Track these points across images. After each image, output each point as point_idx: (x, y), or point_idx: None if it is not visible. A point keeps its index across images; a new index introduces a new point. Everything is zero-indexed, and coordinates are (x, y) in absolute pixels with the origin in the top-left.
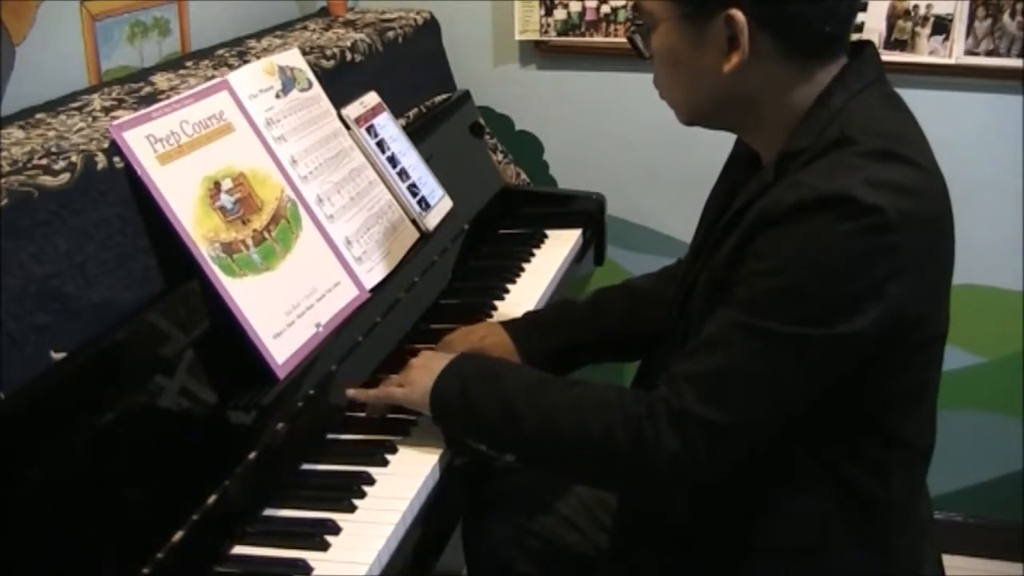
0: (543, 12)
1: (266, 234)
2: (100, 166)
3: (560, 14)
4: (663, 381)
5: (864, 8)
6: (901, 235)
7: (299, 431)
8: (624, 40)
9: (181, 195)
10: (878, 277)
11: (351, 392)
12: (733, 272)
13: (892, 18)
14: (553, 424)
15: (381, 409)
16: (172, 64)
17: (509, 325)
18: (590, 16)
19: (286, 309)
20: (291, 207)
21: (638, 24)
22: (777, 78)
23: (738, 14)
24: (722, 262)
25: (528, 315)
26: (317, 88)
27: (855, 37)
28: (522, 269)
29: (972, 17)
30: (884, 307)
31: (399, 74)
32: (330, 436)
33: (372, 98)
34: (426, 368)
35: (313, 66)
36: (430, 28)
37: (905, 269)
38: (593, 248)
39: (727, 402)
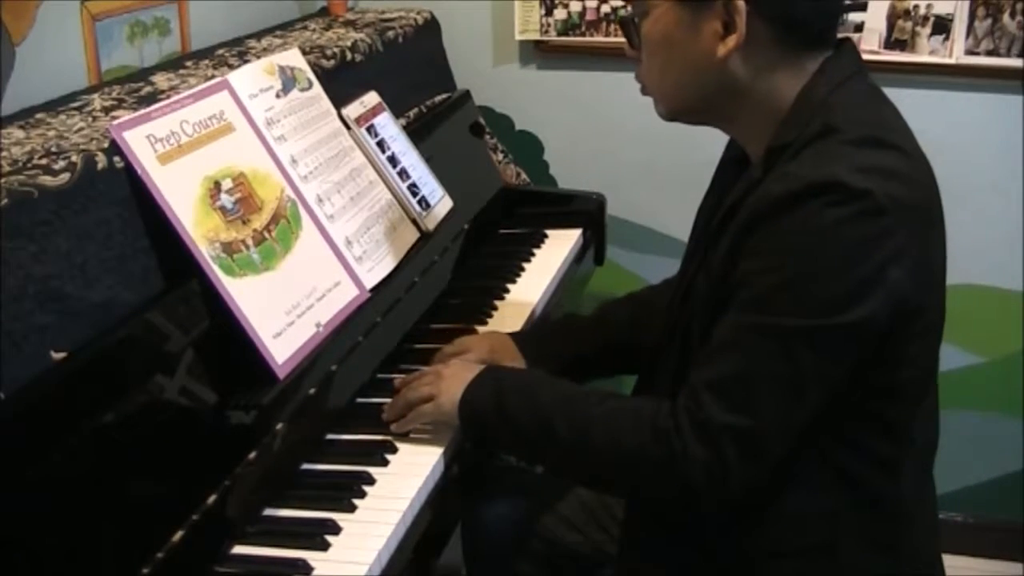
0: (543, 12)
1: (266, 234)
2: (100, 166)
3: (560, 14)
4: (682, 392)
5: (864, 8)
6: (893, 218)
7: (299, 431)
8: (624, 40)
9: (181, 195)
10: (878, 262)
11: (393, 427)
12: (731, 273)
13: (892, 18)
14: (588, 440)
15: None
16: (172, 64)
17: (518, 337)
18: (590, 16)
19: (286, 309)
20: (291, 207)
21: (628, 14)
22: (766, 68)
23: None
24: (718, 263)
25: (535, 328)
26: (317, 88)
27: (856, 37)
28: (522, 269)
29: (972, 17)
30: (887, 292)
31: (399, 74)
32: (330, 436)
33: (372, 98)
34: (457, 379)
35: (313, 66)
36: (430, 28)
37: (902, 253)
38: (593, 248)
39: (750, 406)
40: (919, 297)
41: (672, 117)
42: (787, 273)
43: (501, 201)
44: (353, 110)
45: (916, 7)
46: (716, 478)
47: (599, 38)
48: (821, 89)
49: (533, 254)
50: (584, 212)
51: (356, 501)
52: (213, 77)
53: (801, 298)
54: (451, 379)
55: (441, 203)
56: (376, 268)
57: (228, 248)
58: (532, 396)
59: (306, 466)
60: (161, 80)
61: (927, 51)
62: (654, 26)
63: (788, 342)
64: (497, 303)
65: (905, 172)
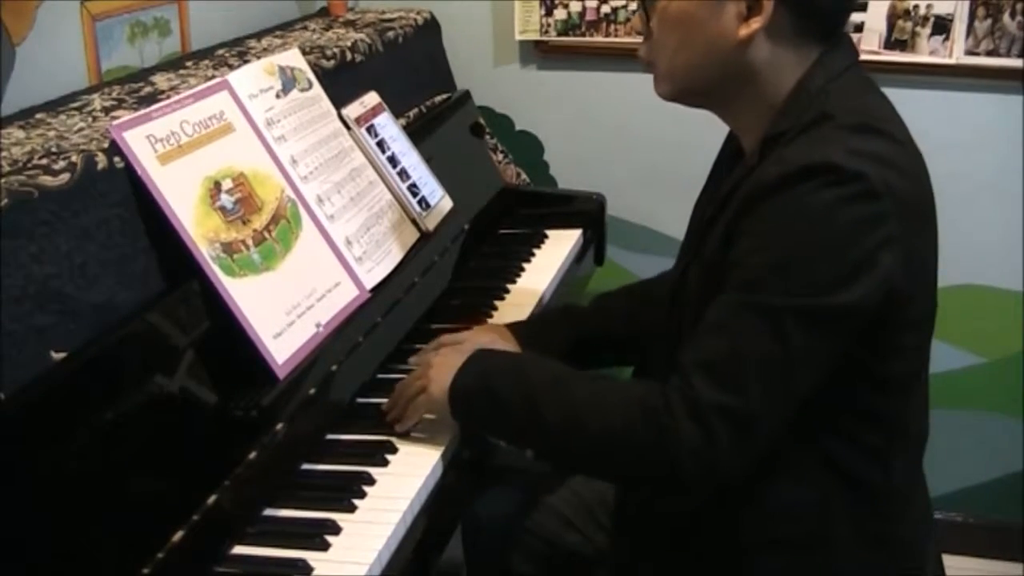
0: (543, 12)
1: (266, 234)
2: (100, 166)
3: (560, 14)
4: (673, 372)
5: (864, 8)
6: (886, 203)
7: (299, 431)
8: (624, 40)
9: (181, 195)
10: (870, 245)
11: (397, 428)
12: (725, 255)
13: (892, 18)
14: (577, 419)
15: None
16: (172, 64)
17: (515, 329)
18: (590, 16)
19: (286, 309)
20: (291, 207)
21: None
22: (777, 55)
23: None
24: (712, 251)
25: (533, 319)
26: (317, 88)
27: (856, 37)
28: (522, 269)
29: (972, 17)
30: (878, 277)
31: (399, 74)
32: (330, 436)
33: (372, 98)
34: (446, 366)
35: (313, 66)
36: (430, 28)
37: (894, 240)
38: (593, 248)
39: (741, 385)
40: (910, 286)
41: (673, 97)
42: (779, 253)
43: (501, 201)
44: (353, 110)
45: (916, 7)
46: (706, 459)
47: (599, 38)
48: (818, 80)
49: (533, 254)
50: (584, 212)
51: (356, 501)
52: (213, 77)
53: (792, 278)
54: (440, 367)
55: (441, 203)
56: (376, 268)
57: (228, 248)
58: (520, 378)
59: (306, 466)
60: (161, 80)
61: (927, 51)
62: (674, 1)
63: (779, 321)
64: (497, 303)
65: (900, 162)
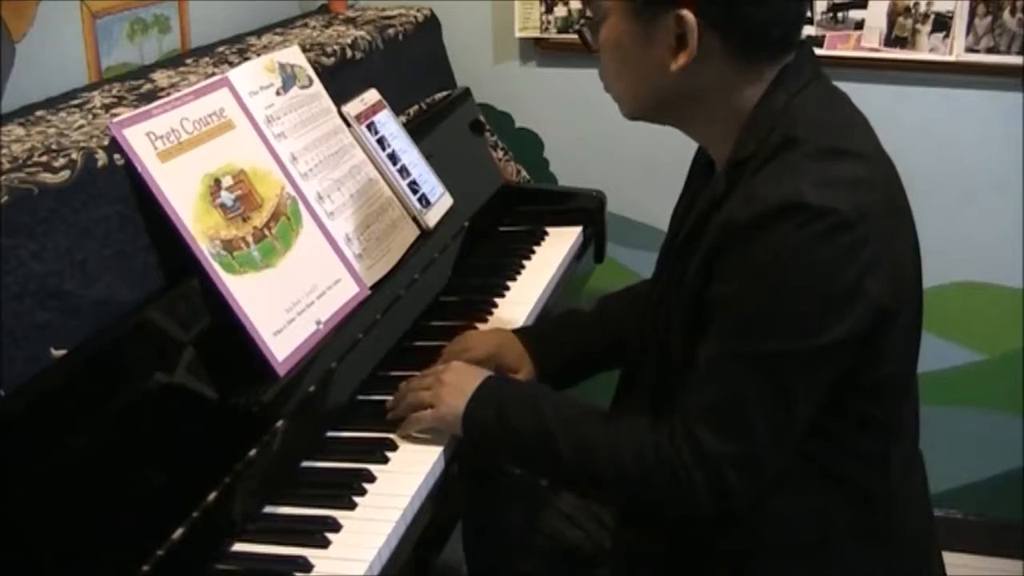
0: (543, 9)
1: (266, 231)
2: (100, 163)
3: (560, 11)
4: (676, 418)
5: (864, 5)
6: (861, 230)
7: (299, 428)
8: None
9: (181, 192)
10: (853, 276)
11: (398, 433)
12: (704, 291)
13: (892, 15)
14: (591, 462)
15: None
16: (172, 61)
17: (522, 333)
18: None
19: (286, 306)
20: (291, 204)
21: (588, 17)
22: (724, 78)
23: (688, 14)
24: (690, 279)
25: (539, 324)
26: (317, 85)
27: (856, 34)
28: (522, 266)
29: (972, 14)
30: (866, 304)
31: (399, 71)
32: (330, 433)
33: (372, 95)
34: (458, 388)
35: (313, 63)
36: (430, 25)
37: (875, 262)
38: (593, 245)
39: (744, 432)
40: (897, 301)
41: (632, 117)
42: (764, 298)
43: (501, 199)
44: (353, 107)
45: (916, 4)
46: (718, 498)
47: None
48: (780, 97)
49: (533, 252)
50: (584, 210)
51: (356, 499)
52: (213, 75)
53: (780, 323)
54: (451, 388)
55: (441, 201)
56: (376, 265)
57: (228, 245)
58: (536, 414)
59: (306, 463)
60: (161, 78)
61: (927, 48)
62: (609, 33)
63: (774, 367)
64: (497, 301)
65: (869, 178)
